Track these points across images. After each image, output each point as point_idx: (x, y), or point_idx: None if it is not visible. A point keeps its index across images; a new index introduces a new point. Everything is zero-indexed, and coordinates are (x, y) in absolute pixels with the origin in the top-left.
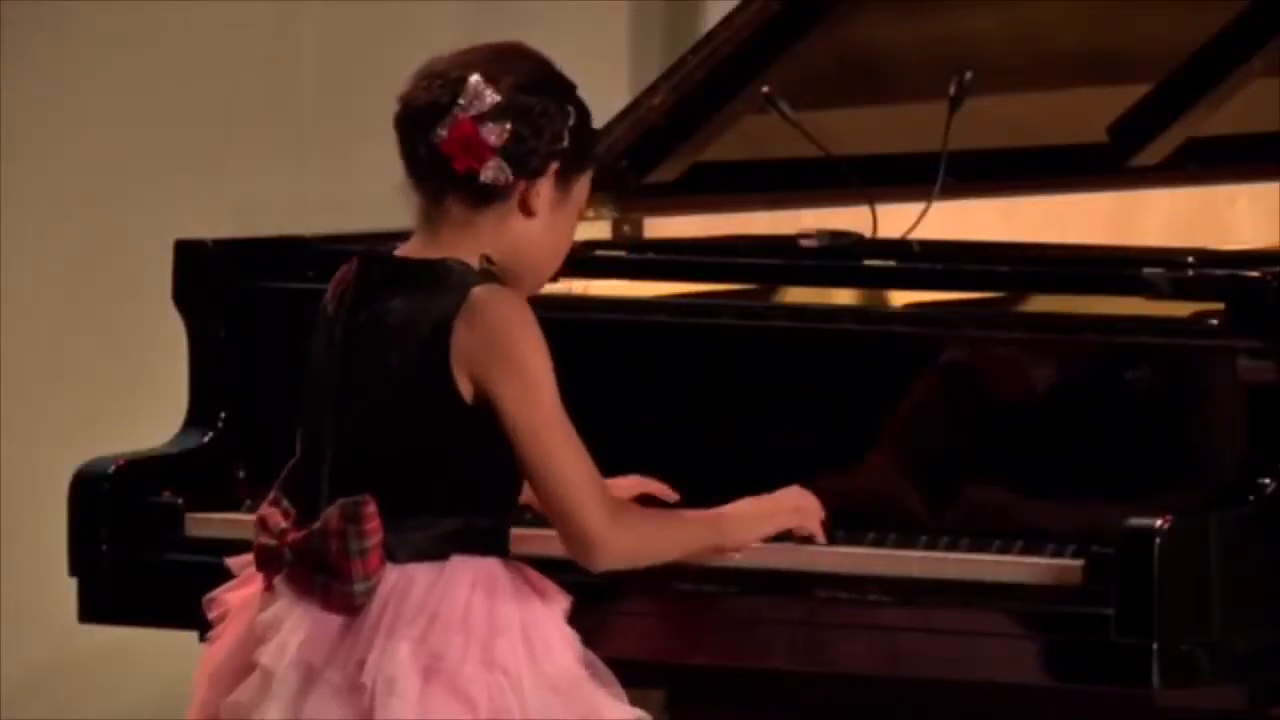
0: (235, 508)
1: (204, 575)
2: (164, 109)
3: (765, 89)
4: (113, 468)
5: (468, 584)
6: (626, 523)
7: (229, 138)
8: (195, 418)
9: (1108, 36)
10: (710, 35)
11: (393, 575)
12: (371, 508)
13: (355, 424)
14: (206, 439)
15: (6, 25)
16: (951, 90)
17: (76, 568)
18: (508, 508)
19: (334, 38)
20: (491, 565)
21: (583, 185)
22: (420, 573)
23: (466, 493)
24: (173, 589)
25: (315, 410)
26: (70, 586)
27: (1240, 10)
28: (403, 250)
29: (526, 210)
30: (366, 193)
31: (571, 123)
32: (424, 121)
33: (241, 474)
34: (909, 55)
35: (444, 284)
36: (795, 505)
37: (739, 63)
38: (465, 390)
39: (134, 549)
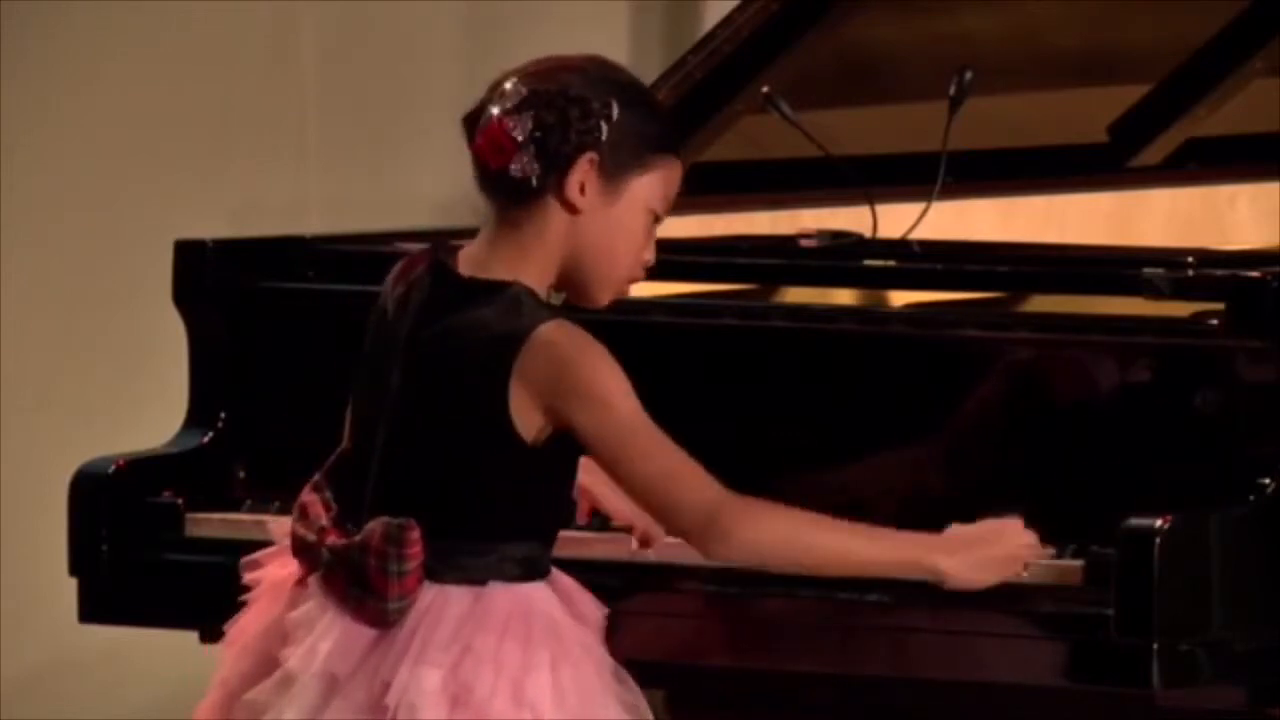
0: (235, 508)
1: (204, 575)
2: (164, 109)
3: (765, 89)
4: (113, 468)
5: (503, 617)
6: (749, 515)
7: (229, 138)
8: (195, 418)
9: (1108, 36)
10: (710, 35)
11: (429, 594)
12: (415, 533)
13: (407, 439)
14: (206, 439)
15: (6, 25)
16: (951, 90)
17: (76, 568)
18: (552, 535)
19: (334, 38)
20: (528, 595)
21: (650, 184)
22: (456, 596)
23: (511, 521)
24: (173, 589)
25: (367, 411)
26: (70, 586)
27: (1240, 10)
28: (465, 259)
29: (569, 206)
30: (366, 193)
31: (614, 116)
32: (470, 129)
33: (241, 474)
34: (909, 55)
35: (511, 314)
36: (1023, 555)
37: (739, 63)
38: (523, 424)
39: (134, 549)
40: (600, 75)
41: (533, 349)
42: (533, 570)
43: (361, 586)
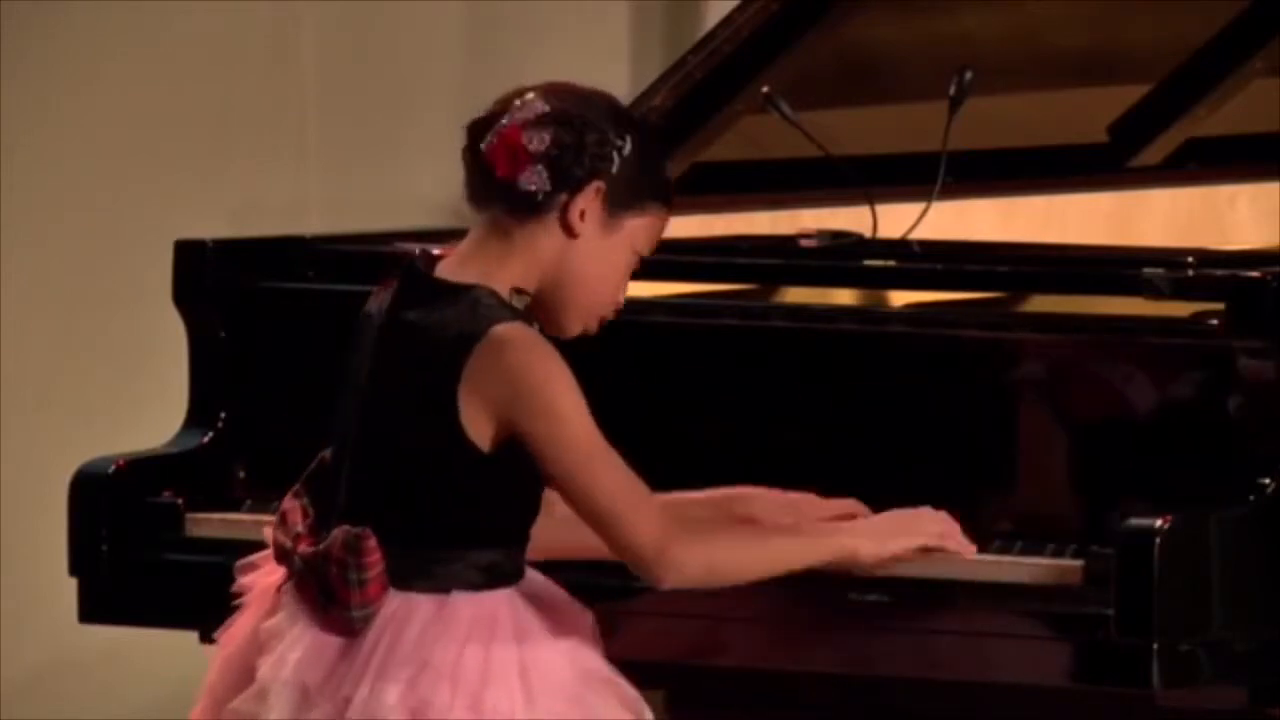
0: (235, 508)
1: (204, 575)
2: (164, 109)
3: (765, 89)
4: (113, 468)
5: (465, 628)
6: (690, 541)
7: (229, 138)
8: (195, 418)
9: (1108, 36)
10: (710, 35)
11: (394, 603)
12: (372, 542)
13: (373, 443)
14: (206, 439)
15: (6, 25)
16: (951, 90)
17: (76, 568)
18: (519, 541)
19: (334, 38)
20: (494, 603)
21: (640, 228)
22: (421, 605)
23: (475, 527)
24: (172, 589)
25: (344, 414)
26: (70, 586)
27: (1240, 10)
28: (444, 265)
29: (567, 228)
30: (366, 193)
31: (626, 151)
32: (479, 132)
33: (241, 474)
34: (909, 55)
35: (470, 315)
36: (938, 529)
37: (739, 63)
38: (475, 428)
39: (134, 549)
40: (621, 112)
41: (485, 350)
42: (499, 577)
43: (327, 595)
